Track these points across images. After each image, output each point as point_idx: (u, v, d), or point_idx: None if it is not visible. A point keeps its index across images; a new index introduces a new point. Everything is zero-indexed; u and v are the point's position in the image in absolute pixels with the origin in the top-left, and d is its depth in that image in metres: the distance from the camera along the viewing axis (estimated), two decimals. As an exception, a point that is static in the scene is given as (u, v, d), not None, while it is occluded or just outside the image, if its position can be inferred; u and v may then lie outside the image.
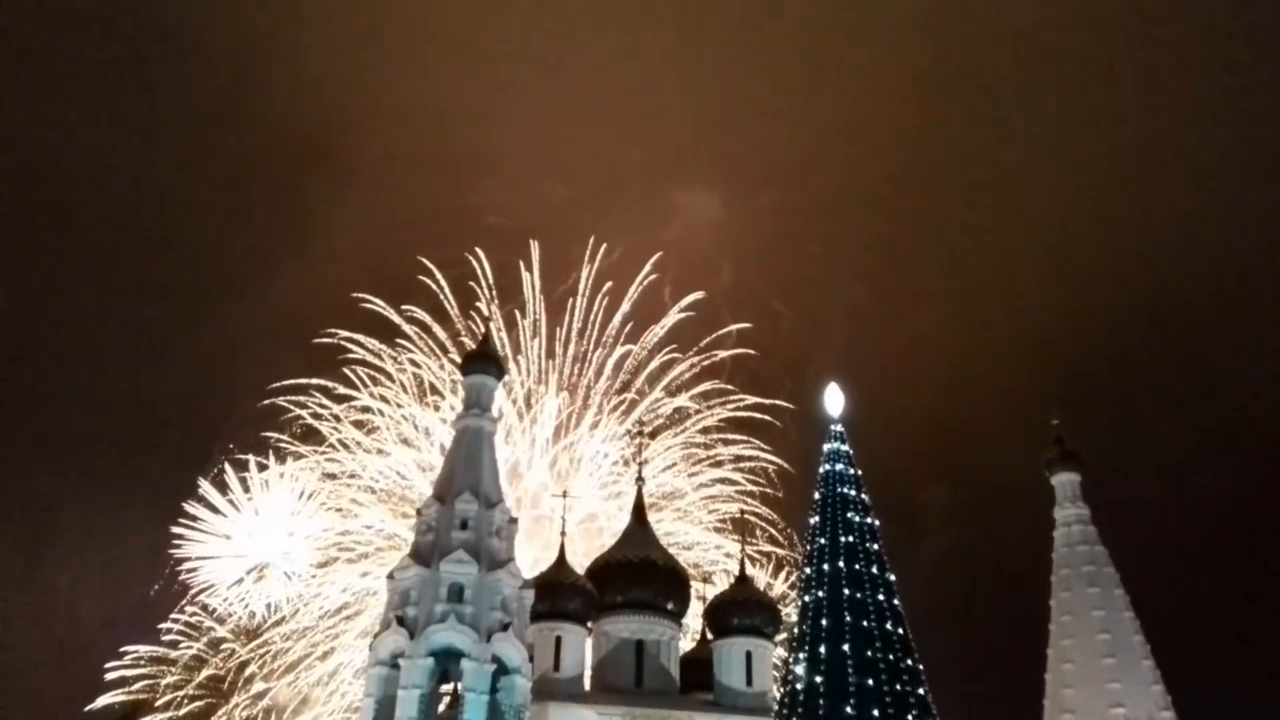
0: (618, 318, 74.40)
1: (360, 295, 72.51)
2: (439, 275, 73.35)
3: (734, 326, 75.65)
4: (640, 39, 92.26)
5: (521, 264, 74.38)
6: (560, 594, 47.01)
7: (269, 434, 68.06)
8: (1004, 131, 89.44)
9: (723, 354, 74.76)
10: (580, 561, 52.40)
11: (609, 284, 75.15)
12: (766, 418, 73.12)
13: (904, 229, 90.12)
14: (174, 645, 65.93)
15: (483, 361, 45.38)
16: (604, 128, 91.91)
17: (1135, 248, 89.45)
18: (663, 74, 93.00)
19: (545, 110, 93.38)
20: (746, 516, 61.26)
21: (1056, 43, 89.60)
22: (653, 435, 68.65)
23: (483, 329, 48.48)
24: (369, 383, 70.37)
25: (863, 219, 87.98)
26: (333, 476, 68.67)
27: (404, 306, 72.36)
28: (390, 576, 40.26)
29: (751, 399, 73.41)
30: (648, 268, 75.84)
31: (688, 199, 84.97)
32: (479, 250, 74.23)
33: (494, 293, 73.80)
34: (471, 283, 73.50)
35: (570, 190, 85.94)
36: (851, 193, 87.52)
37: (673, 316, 75.19)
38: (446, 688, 38.79)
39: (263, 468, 66.82)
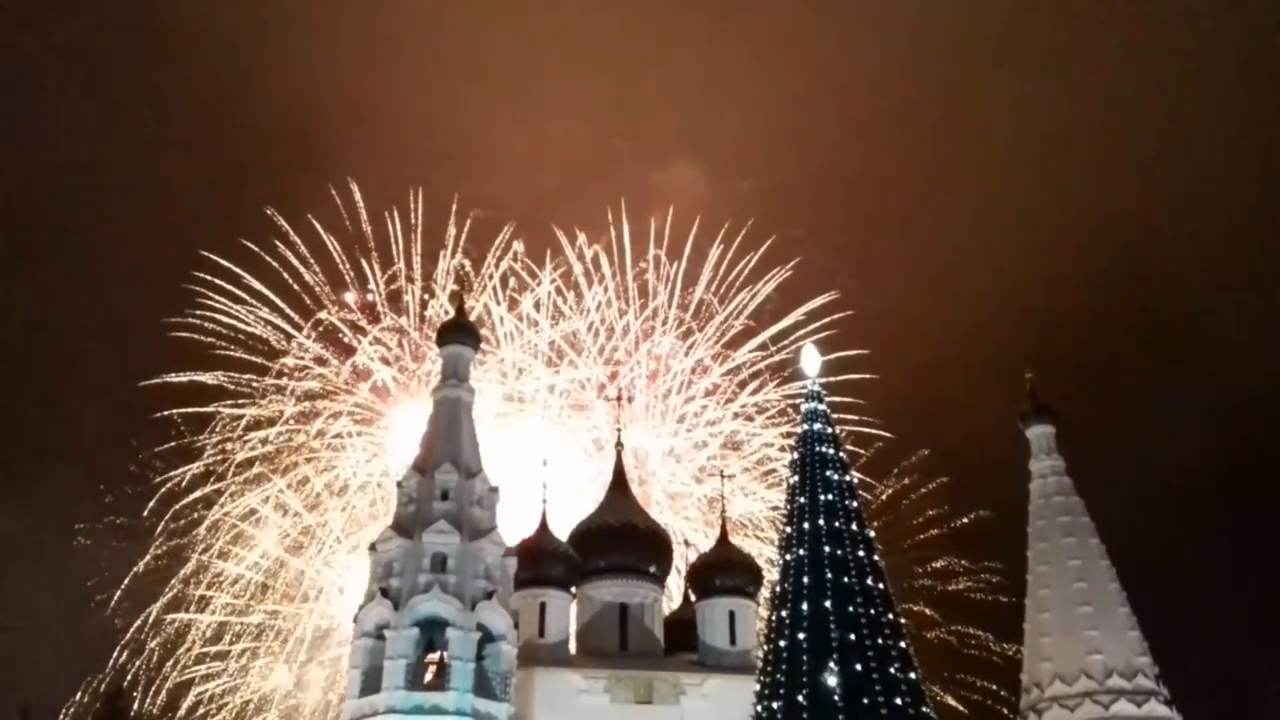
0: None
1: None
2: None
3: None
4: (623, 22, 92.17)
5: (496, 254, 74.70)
6: (543, 560, 47.25)
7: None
8: (977, 106, 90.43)
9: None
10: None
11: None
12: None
13: (881, 206, 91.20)
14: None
15: (459, 331, 45.41)
16: (585, 115, 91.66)
17: (1107, 209, 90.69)
18: (643, 59, 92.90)
19: (524, 99, 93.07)
20: (725, 476, 61.42)
21: (1027, 23, 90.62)
22: (630, 400, 69.09)
23: (457, 300, 48.12)
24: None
25: (842, 198, 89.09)
26: None
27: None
28: (372, 548, 40.39)
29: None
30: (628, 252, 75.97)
31: (669, 183, 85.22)
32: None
33: (469, 268, 73.93)
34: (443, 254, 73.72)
35: (552, 179, 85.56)
36: (831, 174, 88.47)
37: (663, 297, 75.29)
38: (432, 657, 39.02)
39: None
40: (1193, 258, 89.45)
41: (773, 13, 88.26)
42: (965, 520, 71.09)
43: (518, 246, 74.48)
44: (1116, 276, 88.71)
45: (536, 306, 73.56)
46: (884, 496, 70.85)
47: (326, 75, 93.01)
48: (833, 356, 66.62)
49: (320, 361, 71.11)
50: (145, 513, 66.69)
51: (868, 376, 71.50)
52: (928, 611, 68.57)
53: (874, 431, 72.28)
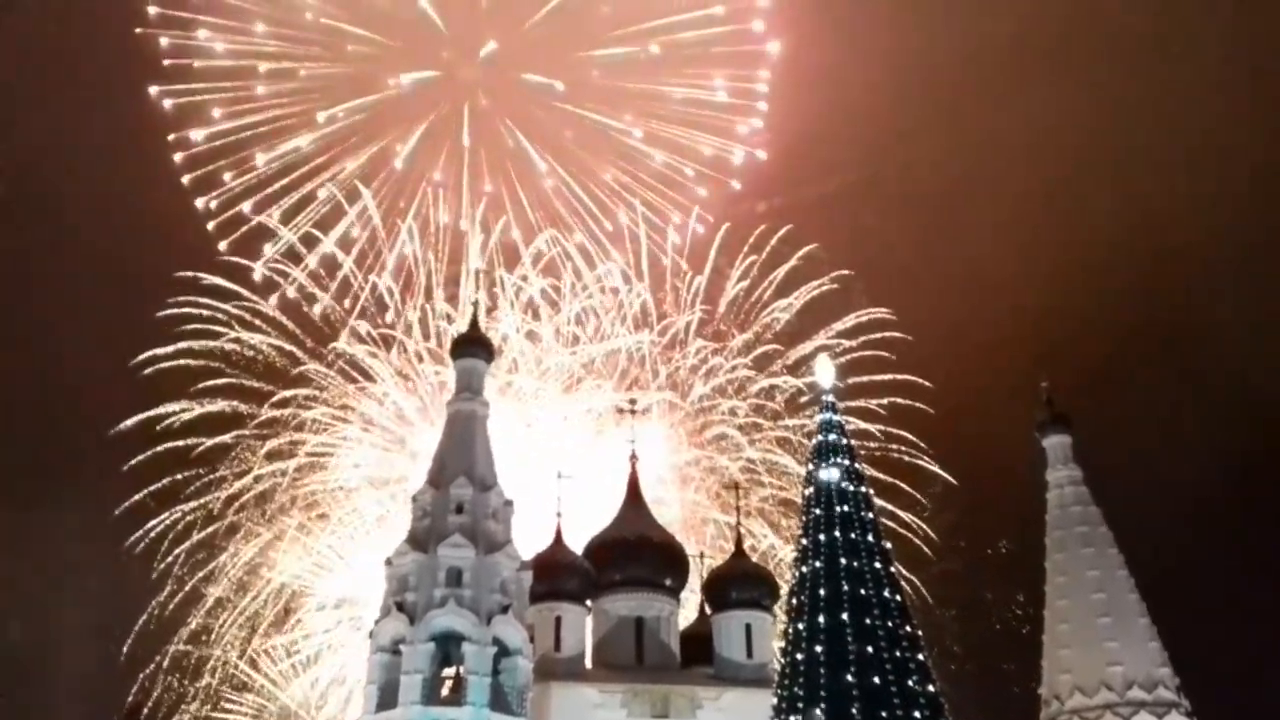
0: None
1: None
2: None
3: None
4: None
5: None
6: (558, 574, 47.16)
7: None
8: (992, 123, 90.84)
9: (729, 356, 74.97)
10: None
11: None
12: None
13: (892, 219, 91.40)
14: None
15: (472, 345, 45.49)
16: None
17: (1124, 221, 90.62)
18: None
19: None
20: (740, 486, 61.33)
21: (1040, 42, 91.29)
22: (645, 412, 69.01)
23: (472, 313, 48.19)
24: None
25: (855, 213, 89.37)
26: None
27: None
28: (388, 563, 40.39)
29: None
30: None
31: (687, 202, 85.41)
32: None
33: (480, 277, 74.17)
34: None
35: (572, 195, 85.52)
36: (844, 191, 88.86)
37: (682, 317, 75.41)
38: (448, 672, 38.93)
39: None
40: (1209, 268, 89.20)
41: (791, 35, 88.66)
42: (988, 551, 70.35)
43: (535, 253, 74.75)
44: (1132, 287, 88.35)
45: (556, 333, 73.64)
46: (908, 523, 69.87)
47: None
48: (872, 378, 67.00)
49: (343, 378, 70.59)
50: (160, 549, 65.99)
51: (893, 377, 70.80)
52: (956, 649, 67.78)
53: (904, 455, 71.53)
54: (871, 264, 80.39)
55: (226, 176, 78.68)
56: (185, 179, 79.05)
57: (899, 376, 71.98)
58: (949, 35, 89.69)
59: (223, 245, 76.76)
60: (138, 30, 79.79)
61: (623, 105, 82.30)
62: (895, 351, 73.12)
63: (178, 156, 79.41)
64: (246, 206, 78.07)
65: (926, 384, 71.86)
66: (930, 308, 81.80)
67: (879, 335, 73.68)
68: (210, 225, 78.20)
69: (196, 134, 79.02)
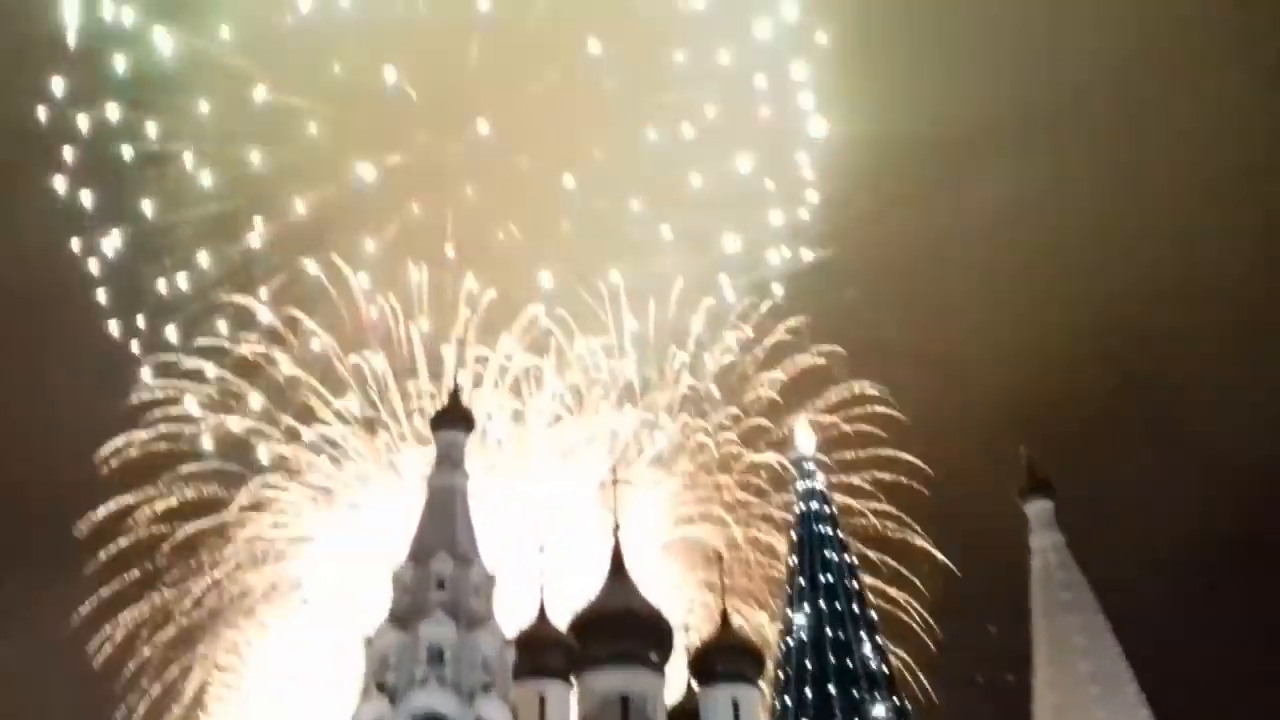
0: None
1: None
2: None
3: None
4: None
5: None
6: (542, 651, 46.32)
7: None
8: (969, 194, 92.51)
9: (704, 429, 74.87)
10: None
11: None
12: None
13: (873, 296, 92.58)
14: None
15: (453, 418, 45.34)
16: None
17: (1102, 286, 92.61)
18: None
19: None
20: (723, 558, 60.79)
21: (1020, 111, 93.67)
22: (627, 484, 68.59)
23: (451, 386, 48.13)
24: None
25: (838, 289, 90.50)
26: None
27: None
28: (368, 642, 39.72)
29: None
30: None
31: (667, 276, 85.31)
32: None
33: (465, 349, 73.53)
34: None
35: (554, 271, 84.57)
36: (827, 268, 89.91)
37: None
38: (430, 752, 38.10)
39: None
40: (1187, 332, 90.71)
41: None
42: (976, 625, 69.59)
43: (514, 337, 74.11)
44: (1111, 351, 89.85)
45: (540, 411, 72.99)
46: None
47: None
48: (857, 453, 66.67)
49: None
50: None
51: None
52: None
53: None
54: (853, 339, 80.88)
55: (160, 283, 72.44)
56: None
57: (884, 452, 71.74)
58: (918, 116, 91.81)
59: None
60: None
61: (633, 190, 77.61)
62: (880, 426, 73.06)
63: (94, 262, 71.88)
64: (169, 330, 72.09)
65: (912, 459, 71.47)
66: (911, 380, 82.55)
67: (866, 410, 73.55)
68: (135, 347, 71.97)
69: (109, 242, 71.47)
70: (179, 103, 71.60)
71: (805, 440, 34.02)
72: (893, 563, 68.15)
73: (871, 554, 65.00)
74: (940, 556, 67.49)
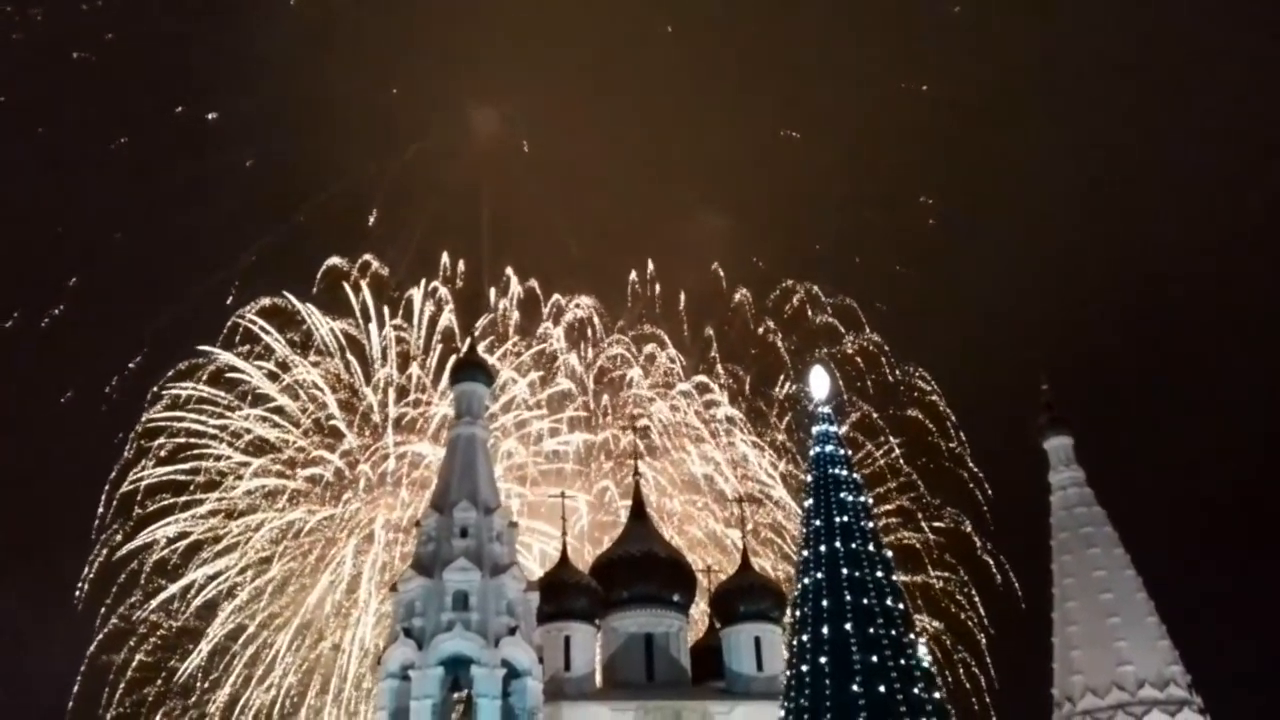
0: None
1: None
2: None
3: None
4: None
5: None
6: (565, 594, 47.27)
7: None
8: (1000, 154, 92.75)
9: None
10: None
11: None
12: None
13: (900, 248, 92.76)
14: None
15: (471, 369, 45.73)
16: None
17: (1123, 236, 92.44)
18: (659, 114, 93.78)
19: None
20: (744, 500, 61.37)
21: (1051, 74, 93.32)
22: (646, 430, 69.14)
23: (469, 338, 48.42)
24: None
25: (865, 240, 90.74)
26: None
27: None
28: (394, 589, 40.57)
29: None
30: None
31: (694, 242, 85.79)
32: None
33: (484, 304, 74.25)
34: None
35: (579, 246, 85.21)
36: (858, 219, 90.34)
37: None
38: (459, 695, 39.06)
39: None
40: (1212, 271, 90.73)
41: (792, 79, 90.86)
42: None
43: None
44: (1135, 290, 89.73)
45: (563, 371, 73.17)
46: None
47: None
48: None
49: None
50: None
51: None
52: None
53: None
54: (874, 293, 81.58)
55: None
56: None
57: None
58: (947, 76, 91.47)
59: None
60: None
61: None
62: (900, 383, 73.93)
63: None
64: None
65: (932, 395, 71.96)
66: (939, 337, 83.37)
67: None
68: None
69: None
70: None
71: (819, 385, 33.99)
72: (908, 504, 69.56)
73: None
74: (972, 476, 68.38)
